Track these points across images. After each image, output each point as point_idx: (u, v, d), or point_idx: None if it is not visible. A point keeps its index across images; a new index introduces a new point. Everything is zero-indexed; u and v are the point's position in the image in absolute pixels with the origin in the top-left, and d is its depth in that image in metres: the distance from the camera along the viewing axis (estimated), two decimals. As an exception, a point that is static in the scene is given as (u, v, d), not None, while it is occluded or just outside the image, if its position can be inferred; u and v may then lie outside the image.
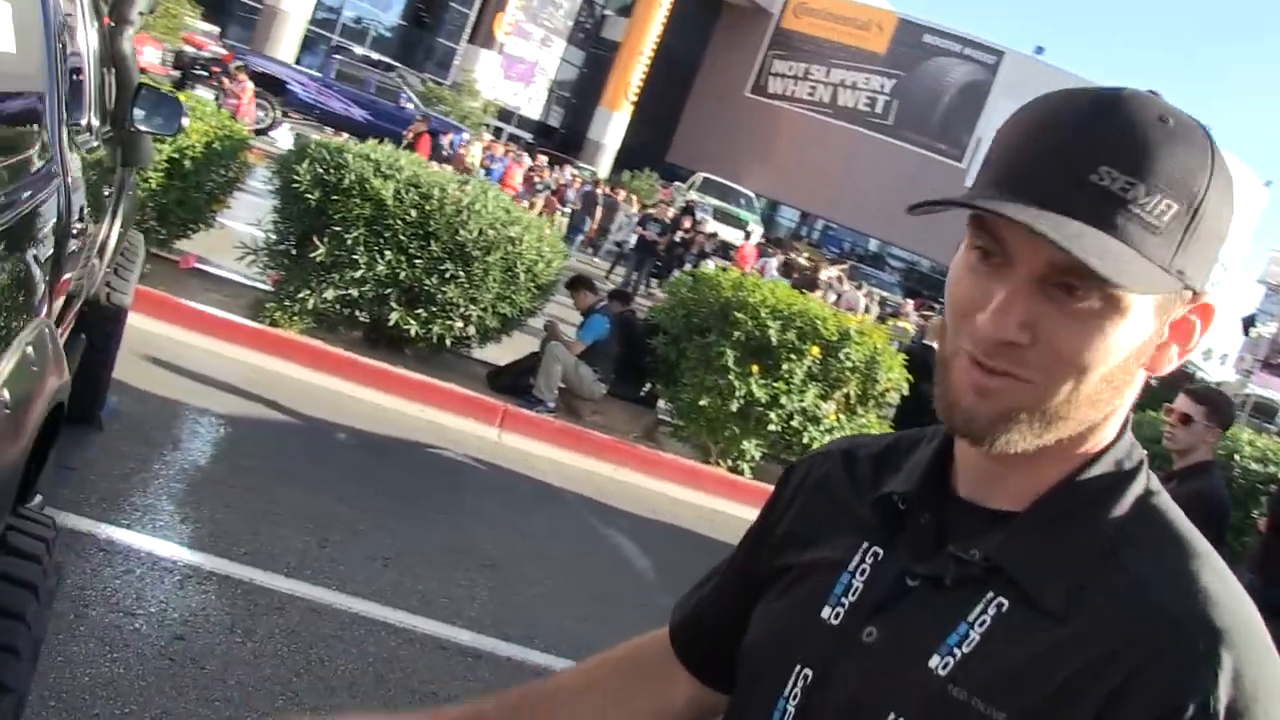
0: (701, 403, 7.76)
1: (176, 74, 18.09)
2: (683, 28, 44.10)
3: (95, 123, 3.37)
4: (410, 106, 23.51)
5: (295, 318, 7.46)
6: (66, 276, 2.74)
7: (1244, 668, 0.77)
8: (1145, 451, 0.92)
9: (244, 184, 8.45)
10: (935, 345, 7.16)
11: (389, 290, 7.41)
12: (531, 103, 43.57)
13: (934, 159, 40.46)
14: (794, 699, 0.93)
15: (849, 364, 7.99)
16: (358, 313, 7.66)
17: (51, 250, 2.36)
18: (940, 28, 41.74)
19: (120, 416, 5.25)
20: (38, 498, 2.70)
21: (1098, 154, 0.80)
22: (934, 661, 0.85)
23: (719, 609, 1.13)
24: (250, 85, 17.17)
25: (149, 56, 19.83)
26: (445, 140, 21.52)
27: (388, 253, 7.28)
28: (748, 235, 26.65)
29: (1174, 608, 0.80)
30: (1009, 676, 0.82)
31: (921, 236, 40.08)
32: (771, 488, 1.12)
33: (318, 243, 7.25)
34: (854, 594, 0.94)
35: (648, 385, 8.98)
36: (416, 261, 7.40)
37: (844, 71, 42.81)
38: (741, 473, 8.12)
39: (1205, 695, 0.76)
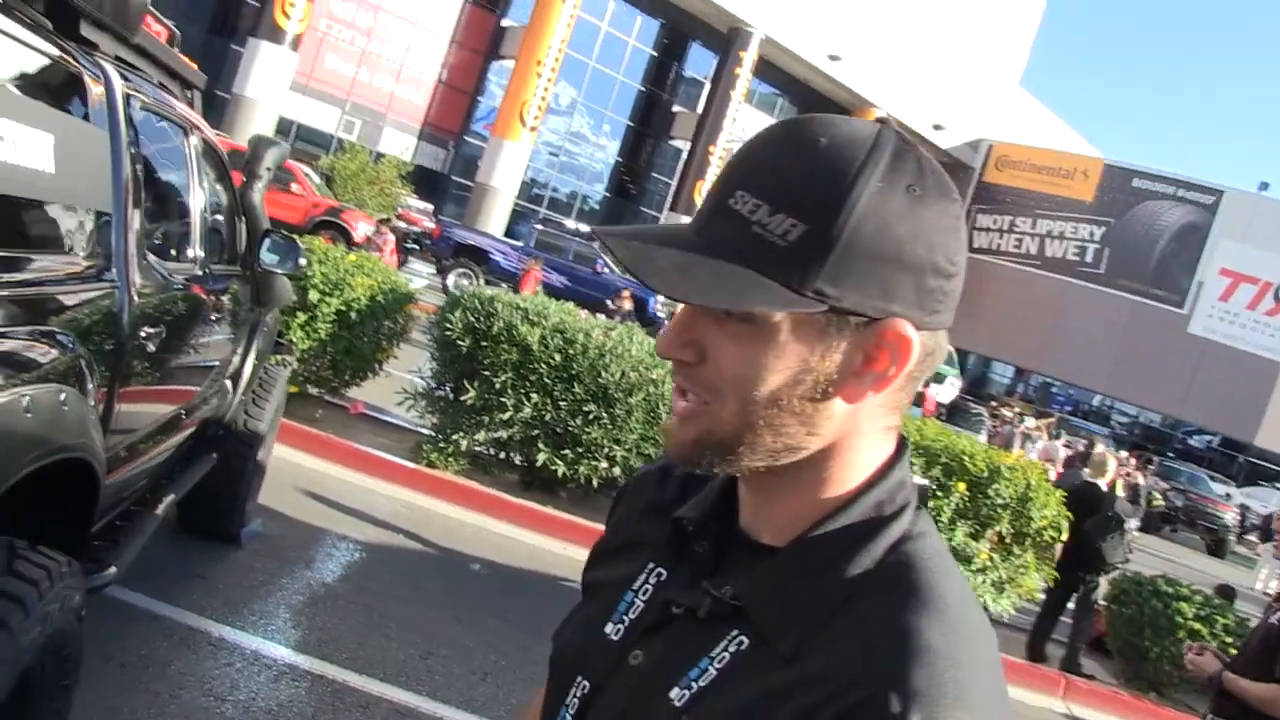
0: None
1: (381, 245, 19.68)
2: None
3: (201, 254, 3.84)
4: (607, 271, 24.61)
5: (451, 459, 7.88)
6: (140, 386, 3.13)
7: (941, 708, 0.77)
8: (918, 494, 0.93)
9: (409, 335, 9.08)
10: (1099, 482, 6.89)
11: (535, 432, 7.73)
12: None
13: (1151, 305, 38.72)
14: (571, 708, 0.97)
15: (999, 501, 7.73)
16: (512, 455, 8.00)
17: (107, 344, 2.74)
18: (1150, 171, 40.53)
19: (262, 538, 5.68)
20: (112, 569, 3.05)
21: (741, 179, 0.83)
22: (674, 693, 0.88)
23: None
24: (393, 238, 18.50)
25: (362, 230, 21.79)
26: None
27: (534, 395, 7.63)
28: (932, 381, 26.14)
29: (883, 664, 0.80)
30: (732, 715, 0.84)
31: (1145, 389, 38.10)
32: None
33: (469, 387, 7.69)
34: (634, 612, 0.97)
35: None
36: (561, 403, 7.72)
37: (1050, 221, 41.97)
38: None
39: None
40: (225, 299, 4.28)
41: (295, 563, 5.66)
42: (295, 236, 4.92)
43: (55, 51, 2.59)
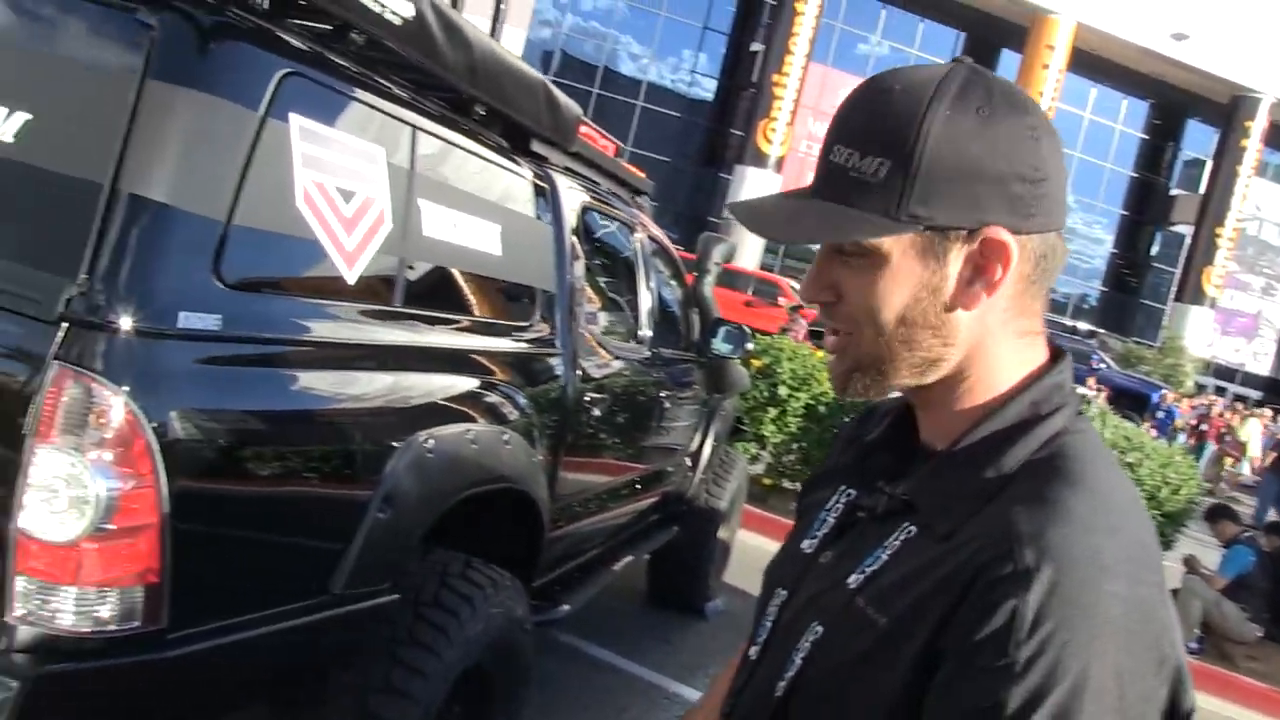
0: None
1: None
2: None
3: (649, 336, 4.31)
4: (1103, 367, 23.22)
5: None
6: (587, 448, 3.58)
7: (1062, 585, 0.84)
8: (1077, 396, 1.01)
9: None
10: None
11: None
12: (1257, 357, 39.96)
13: None
14: (770, 615, 1.10)
15: None
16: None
17: (551, 403, 3.20)
18: None
19: (725, 614, 6.02)
20: (565, 607, 3.49)
21: (836, 136, 0.97)
22: (851, 579, 0.99)
23: None
24: (805, 325, 18.55)
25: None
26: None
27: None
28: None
29: (1021, 524, 0.87)
30: (893, 588, 0.94)
31: None
32: None
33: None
34: (825, 528, 1.10)
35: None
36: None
37: None
38: None
39: (1017, 603, 0.84)
40: (678, 381, 4.73)
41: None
42: (745, 328, 5.29)
43: (509, 164, 3.15)
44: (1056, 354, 1.02)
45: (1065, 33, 30.99)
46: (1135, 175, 39.12)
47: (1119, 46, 32.98)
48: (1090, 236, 39.46)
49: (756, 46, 33.02)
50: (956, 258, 0.95)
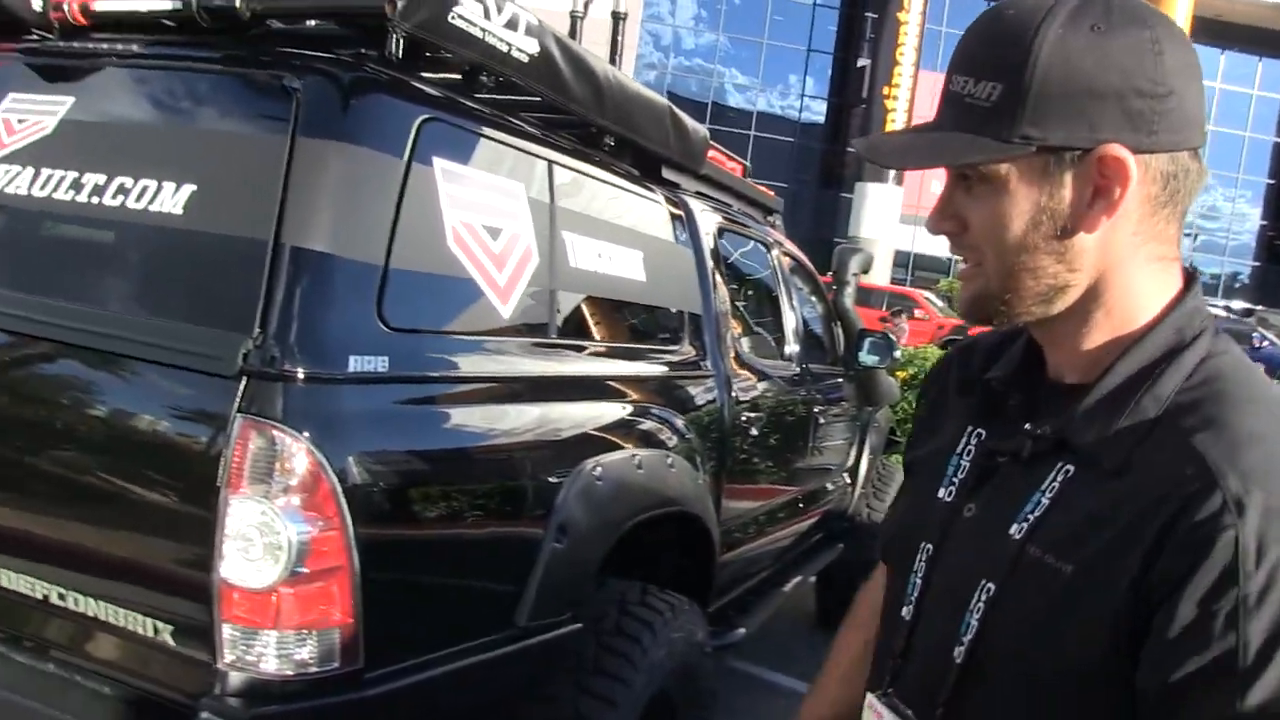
0: None
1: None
2: None
3: (797, 352, 4.26)
4: (1266, 345, 22.06)
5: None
6: (747, 468, 3.54)
7: (1276, 508, 0.83)
8: (1213, 317, 0.99)
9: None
10: None
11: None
12: None
13: None
14: (919, 572, 1.08)
15: None
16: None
17: (708, 424, 3.18)
18: None
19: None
20: (741, 630, 3.45)
21: (955, 66, 0.97)
22: (1013, 529, 0.97)
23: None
24: (906, 327, 18.00)
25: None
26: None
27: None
28: None
29: (1212, 456, 0.86)
30: (1074, 532, 0.92)
31: None
32: None
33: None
34: (961, 473, 1.08)
35: None
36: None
37: None
38: None
39: (1235, 533, 0.82)
40: (829, 396, 4.65)
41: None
42: (890, 335, 5.20)
43: (643, 191, 3.16)
44: (1190, 278, 1.01)
45: (1184, 2, 29.80)
46: (1277, 140, 37.18)
47: (1245, 7, 31.56)
48: (1235, 213, 37.67)
49: (863, 62, 32.75)
50: (1073, 179, 0.93)
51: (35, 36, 2.48)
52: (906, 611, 1.09)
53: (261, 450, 1.71)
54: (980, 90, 0.93)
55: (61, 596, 1.93)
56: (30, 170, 2.13)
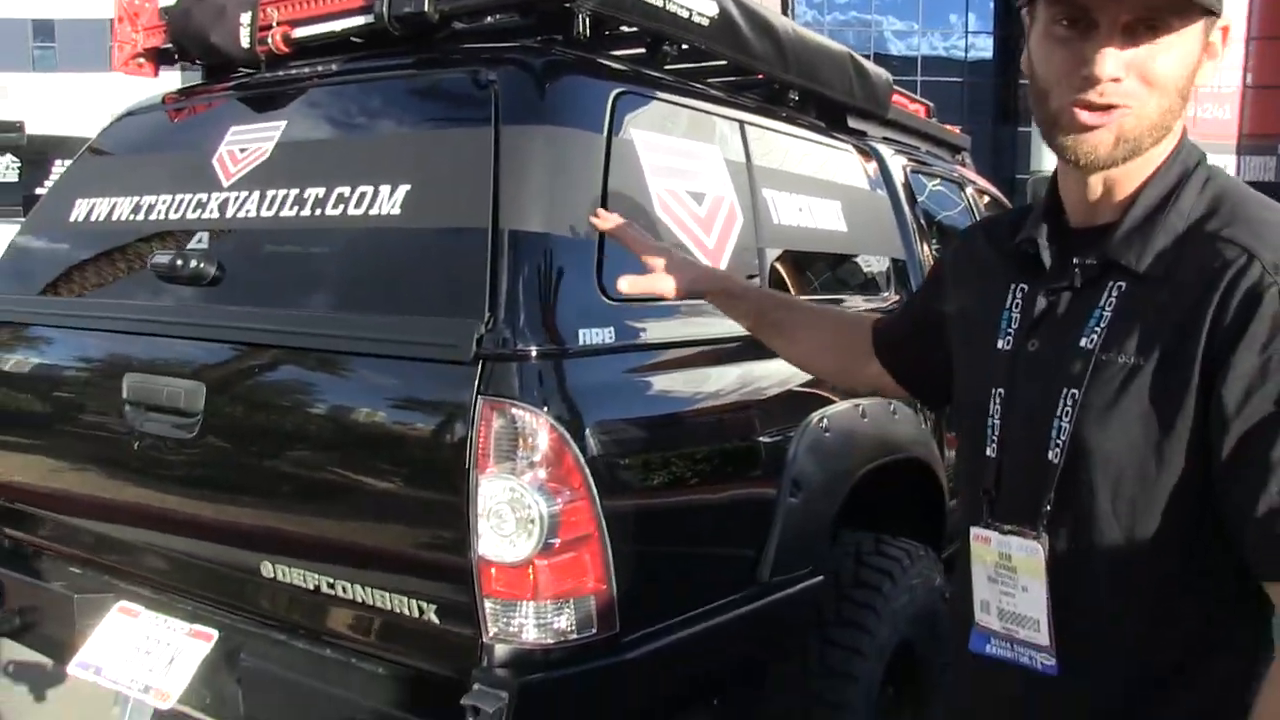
0: None
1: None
2: None
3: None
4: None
5: None
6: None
7: None
8: (1200, 150, 1.20)
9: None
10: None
11: None
12: None
13: None
14: (995, 415, 1.25)
15: None
16: None
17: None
18: None
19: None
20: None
21: None
22: (1084, 342, 1.15)
23: (908, 331, 1.59)
24: None
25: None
26: None
27: None
28: None
29: (1241, 238, 1.10)
30: (1140, 332, 1.12)
31: None
32: None
33: None
34: (1015, 323, 1.25)
35: None
36: None
37: None
38: None
39: (1275, 281, 1.06)
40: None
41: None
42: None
43: (833, 142, 3.12)
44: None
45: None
46: None
47: None
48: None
49: (1026, -11, 31.30)
50: (1207, 39, 1.14)
51: (242, 73, 2.64)
52: (990, 450, 1.25)
53: (504, 429, 1.77)
54: None
55: (331, 586, 2.04)
56: (256, 194, 2.27)
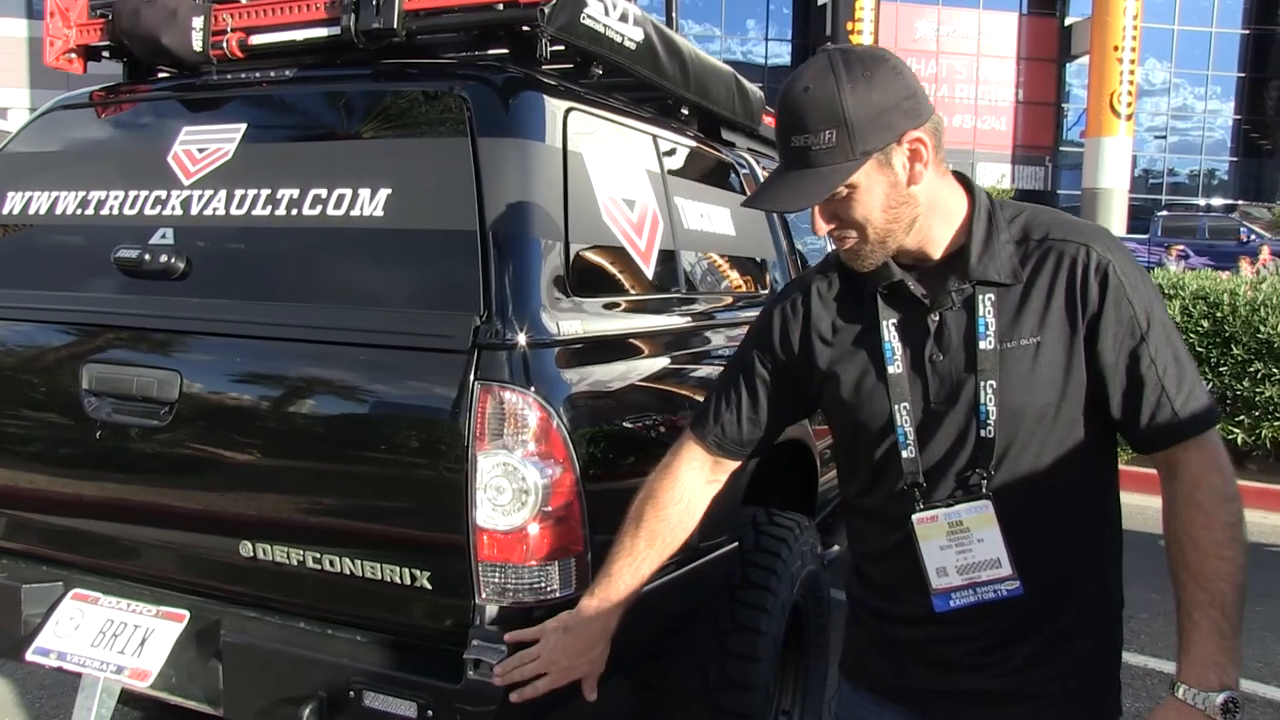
0: None
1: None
2: None
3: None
4: (1254, 238, 22.44)
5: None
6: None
7: (1119, 247, 1.54)
8: (989, 196, 1.62)
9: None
10: None
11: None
12: None
13: None
14: (906, 423, 1.56)
15: None
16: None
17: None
18: None
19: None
20: (836, 547, 3.75)
21: (789, 130, 1.49)
22: (983, 344, 1.52)
23: (756, 423, 1.77)
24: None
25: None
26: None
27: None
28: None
29: (1077, 240, 1.54)
30: (1026, 320, 1.52)
31: None
32: None
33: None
34: (900, 346, 1.57)
35: None
36: (1221, 369, 7.44)
37: None
38: None
39: (1109, 265, 1.51)
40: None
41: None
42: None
43: (715, 152, 3.43)
44: (961, 178, 1.62)
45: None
46: (1246, 32, 37.31)
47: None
48: (1208, 110, 37.88)
49: (823, 0, 32.73)
50: (898, 160, 1.49)
51: (179, 72, 2.71)
52: (909, 452, 1.56)
53: (498, 409, 1.98)
54: (822, 139, 1.44)
55: (332, 563, 2.17)
56: (223, 192, 2.38)
